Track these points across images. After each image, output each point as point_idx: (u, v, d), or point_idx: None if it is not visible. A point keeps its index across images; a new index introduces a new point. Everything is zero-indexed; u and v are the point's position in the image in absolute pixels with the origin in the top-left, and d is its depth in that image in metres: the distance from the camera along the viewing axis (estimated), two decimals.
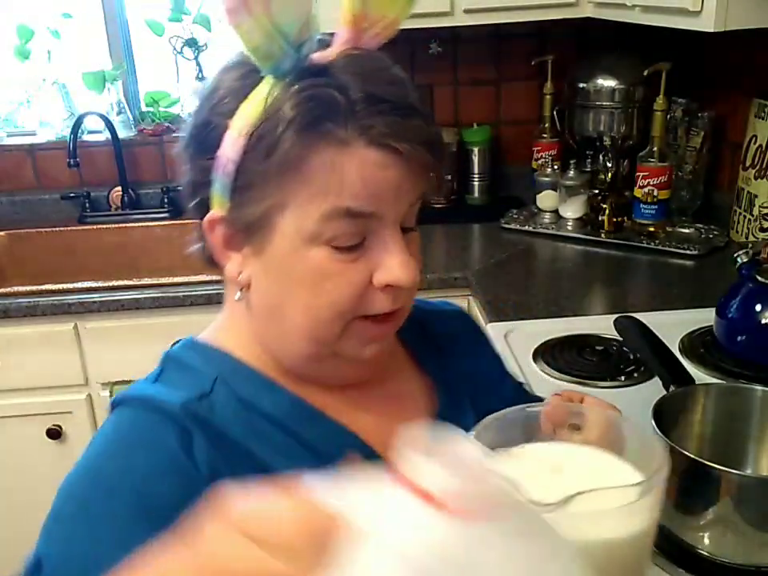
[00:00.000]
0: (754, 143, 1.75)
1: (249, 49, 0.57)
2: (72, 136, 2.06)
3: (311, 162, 0.58)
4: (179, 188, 0.68)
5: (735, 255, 1.27)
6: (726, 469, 0.78)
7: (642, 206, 1.84)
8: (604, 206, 1.87)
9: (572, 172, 1.96)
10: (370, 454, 0.66)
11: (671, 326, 1.32)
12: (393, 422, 0.67)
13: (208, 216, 0.63)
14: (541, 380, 1.25)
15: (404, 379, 0.76)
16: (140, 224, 2.20)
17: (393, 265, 0.61)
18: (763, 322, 1.20)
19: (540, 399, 0.77)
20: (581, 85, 1.97)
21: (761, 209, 1.72)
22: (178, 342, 0.73)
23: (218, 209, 0.62)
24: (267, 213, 0.60)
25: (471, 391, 0.77)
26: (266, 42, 0.57)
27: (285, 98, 0.58)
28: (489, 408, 0.65)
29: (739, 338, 1.24)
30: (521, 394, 0.87)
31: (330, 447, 0.64)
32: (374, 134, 0.58)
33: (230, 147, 0.59)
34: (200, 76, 2.25)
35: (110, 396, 1.78)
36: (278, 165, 0.58)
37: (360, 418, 0.69)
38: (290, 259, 0.61)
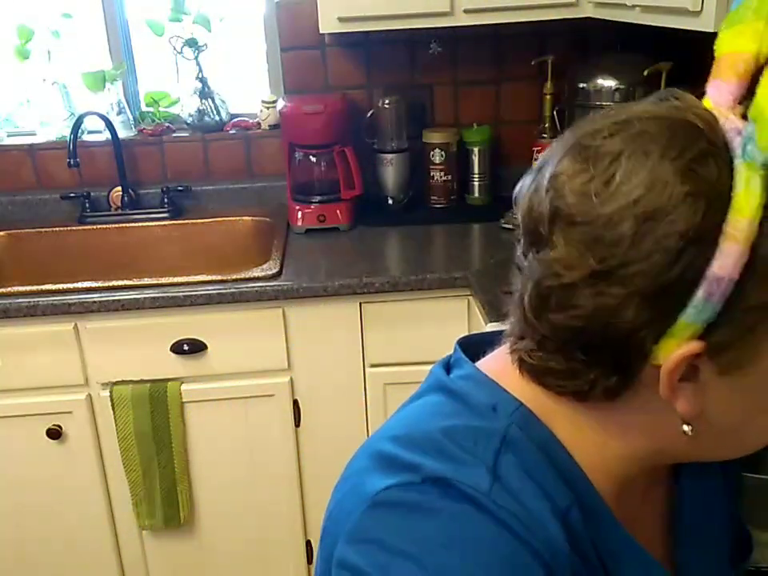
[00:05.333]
0: None
1: None
2: (72, 136, 2.05)
3: None
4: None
5: None
6: None
7: None
8: None
9: None
10: None
11: None
12: (649, 529, 0.65)
13: (683, 354, 0.50)
14: None
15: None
16: (140, 224, 2.20)
17: None
18: None
19: None
20: (581, 85, 1.97)
21: None
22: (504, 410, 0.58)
23: (692, 341, 0.50)
24: (758, 323, 0.51)
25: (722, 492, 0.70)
26: None
27: None
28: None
29: None
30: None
31: None
32: None
33: (732, 265, 0.47)
34: (200, 76, 2.25)
35: (110, 396, 1.78)
36: None
37: (638, 532, 0.61)
38: None
